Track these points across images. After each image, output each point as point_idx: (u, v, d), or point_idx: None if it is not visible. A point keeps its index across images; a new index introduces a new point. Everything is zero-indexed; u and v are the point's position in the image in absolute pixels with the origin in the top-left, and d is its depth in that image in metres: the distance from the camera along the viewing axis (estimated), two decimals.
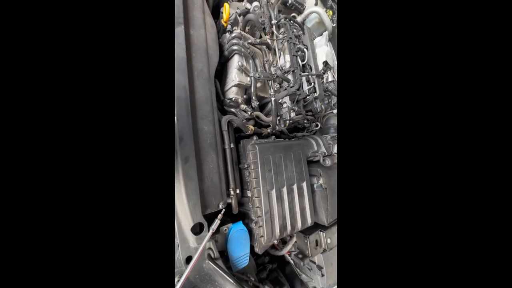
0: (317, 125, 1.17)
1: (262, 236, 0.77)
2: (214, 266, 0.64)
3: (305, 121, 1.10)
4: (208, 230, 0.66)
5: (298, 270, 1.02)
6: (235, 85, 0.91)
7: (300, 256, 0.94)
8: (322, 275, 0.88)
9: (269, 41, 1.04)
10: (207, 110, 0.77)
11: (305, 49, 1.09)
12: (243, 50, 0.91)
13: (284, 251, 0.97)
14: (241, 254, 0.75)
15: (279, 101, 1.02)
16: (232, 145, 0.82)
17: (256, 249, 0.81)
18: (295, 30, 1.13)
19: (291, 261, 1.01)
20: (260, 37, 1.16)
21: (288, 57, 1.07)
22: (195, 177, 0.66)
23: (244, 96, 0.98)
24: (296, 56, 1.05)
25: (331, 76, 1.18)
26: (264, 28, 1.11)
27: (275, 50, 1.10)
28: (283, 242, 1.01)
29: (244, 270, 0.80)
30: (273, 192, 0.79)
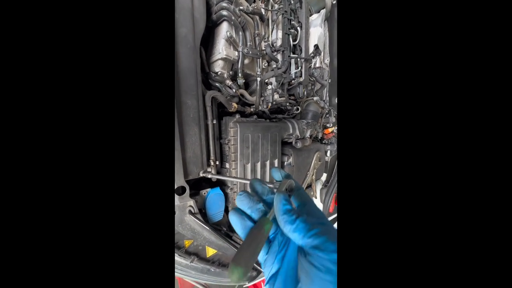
0: (297, 109, 1.25)
1: (235, 199, 0.94)
2: (194, 218, 0.80)
3: (288, 104, 1.16)
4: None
5: None
6: (221, 59, 0.88)
7: None
8: None
9: (263, 10, 0.96)
10: (191, 84, 0.76)
11: (298, 28, 1.05)
12: (233, 18, 0.84)
13: None
14: (216, 211, 0.92)
15: (265, 81, 1.03)
16: (214, 121, 0.87)
17: (230, 209, 0.99)
18: (292, 2, 1.05)
19: None
20: (254, 1, 1.04)
21: (280, 34, 1.02)
22: (178, 147, 0.72)
23: (230, 72, 0.96)
24: (288, 34, 1.02)
25: (318, 62, 1.19)
26: None
27: (268, 22, 1.03)
28: None
29: (219, 223, 1.00)
30: (249, 166, 0.92)
